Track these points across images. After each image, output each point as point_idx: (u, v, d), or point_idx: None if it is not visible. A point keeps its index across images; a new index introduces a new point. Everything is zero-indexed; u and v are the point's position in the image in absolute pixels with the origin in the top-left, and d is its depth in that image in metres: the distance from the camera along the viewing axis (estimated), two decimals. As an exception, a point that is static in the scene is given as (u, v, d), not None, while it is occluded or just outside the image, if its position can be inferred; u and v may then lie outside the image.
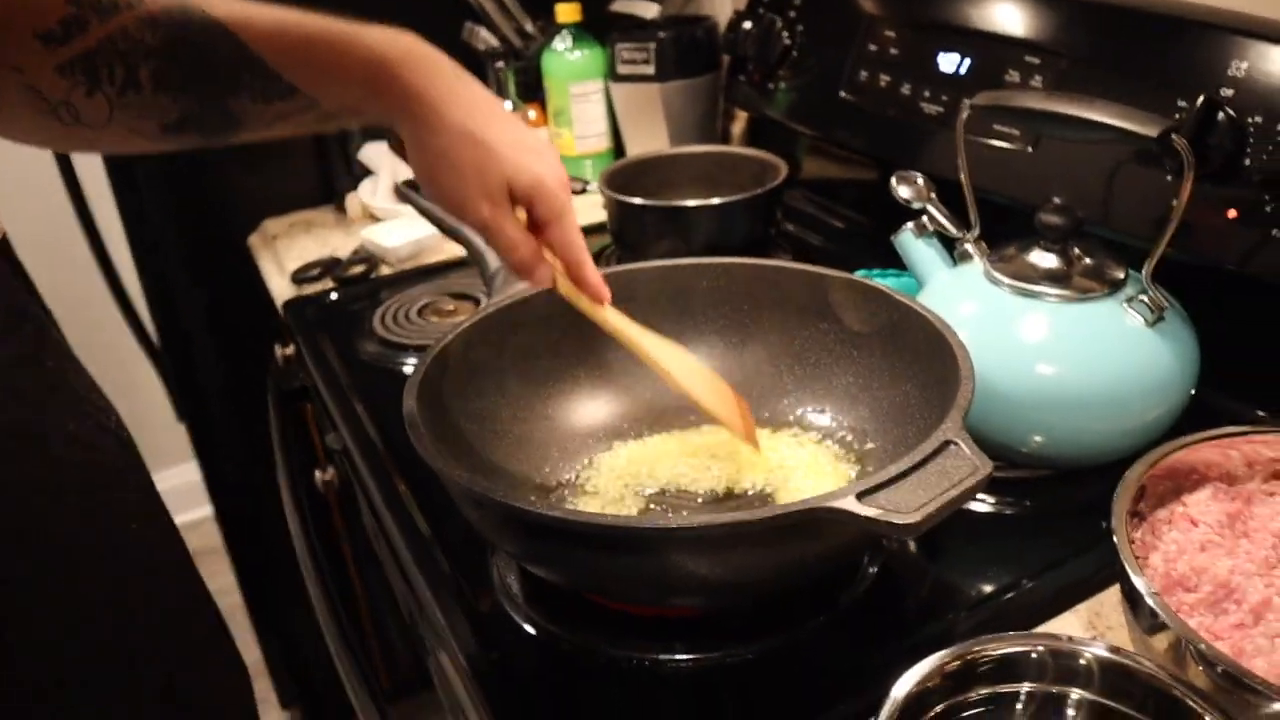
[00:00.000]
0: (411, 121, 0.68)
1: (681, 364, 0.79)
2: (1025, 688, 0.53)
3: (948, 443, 0.61)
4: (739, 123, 1.48)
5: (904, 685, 0.51)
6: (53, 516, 0.58)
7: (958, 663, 0.51)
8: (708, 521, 0.56)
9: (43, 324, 0.62)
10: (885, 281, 0.99)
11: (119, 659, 0.62)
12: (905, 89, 1.12)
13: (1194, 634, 0.52)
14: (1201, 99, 0.82)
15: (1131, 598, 0.57)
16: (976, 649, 0.52)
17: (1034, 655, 0.52)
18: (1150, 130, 0.74)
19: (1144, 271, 0.80)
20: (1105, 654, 0.52)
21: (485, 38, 1.53)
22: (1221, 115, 0.82)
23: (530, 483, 0.82)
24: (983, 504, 0.83)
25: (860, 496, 0.56)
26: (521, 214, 0.73)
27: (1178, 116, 0.85)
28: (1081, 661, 0.52)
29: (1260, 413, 0.87)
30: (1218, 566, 0.61)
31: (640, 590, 0.68)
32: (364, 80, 0.67)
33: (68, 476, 0.59)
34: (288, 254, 1.45)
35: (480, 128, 0.68)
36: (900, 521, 0.55)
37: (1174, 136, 0.74)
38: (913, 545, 0.78)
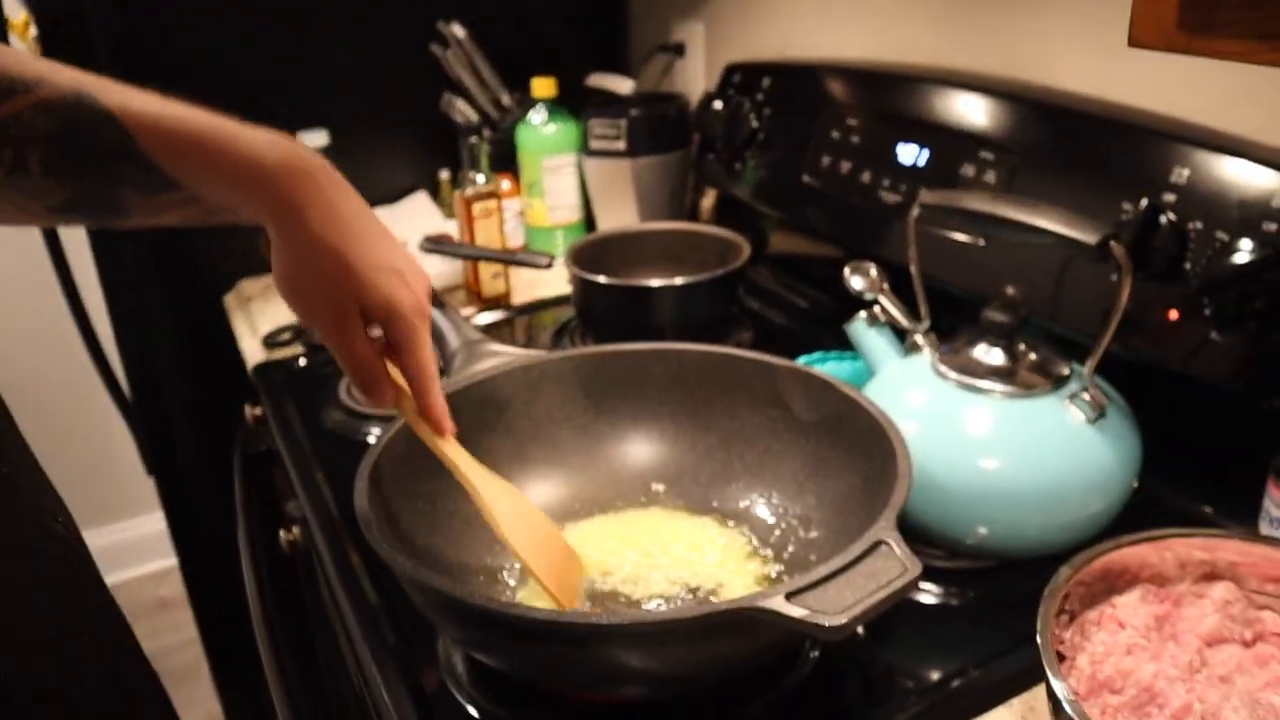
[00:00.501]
0: (276, 227, 0.68)
1: (509, 510, 0.76)
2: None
3: (879, 543, 0.62)
4: (709, 198, 1.51)
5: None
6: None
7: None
8: (638, 619, 0.56)
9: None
10: (842, 365, 1.01)
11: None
12: (865, 177, 1.14)
13: (1110, 744, 0.53)
14: (1144, 203, 0.84)
15: (1053, 700, 0.58)
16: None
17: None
18: (1090, 238, 0.76)
19: (1086, 369, 0.81)
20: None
21: (462, 109, 1.56)
22: (1164, 219, 0.84)
23: (479, 563, 0.82)
24: (927, 594, 0.84)
25: (790, 596, 0.57)
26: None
27: (1124, 217, 0.87)
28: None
29: (1207, 508, 0.88)
30: (1142, 670, 0.61)
31: (577, 679, 0.68)
32: (238, 181, 0.67)
33: (9, 589, 0.59)
34: (261, 316, 1.46)
35: (343, 244, 0.68)
36: (827, 624, 0.56)
37: (1112, 244, 0.75)
38: (862, 632, 0.79)
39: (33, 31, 1.51)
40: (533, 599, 0.79)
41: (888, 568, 0.60)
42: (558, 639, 0.60)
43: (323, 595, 1.02)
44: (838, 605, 0.57)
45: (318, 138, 1.53)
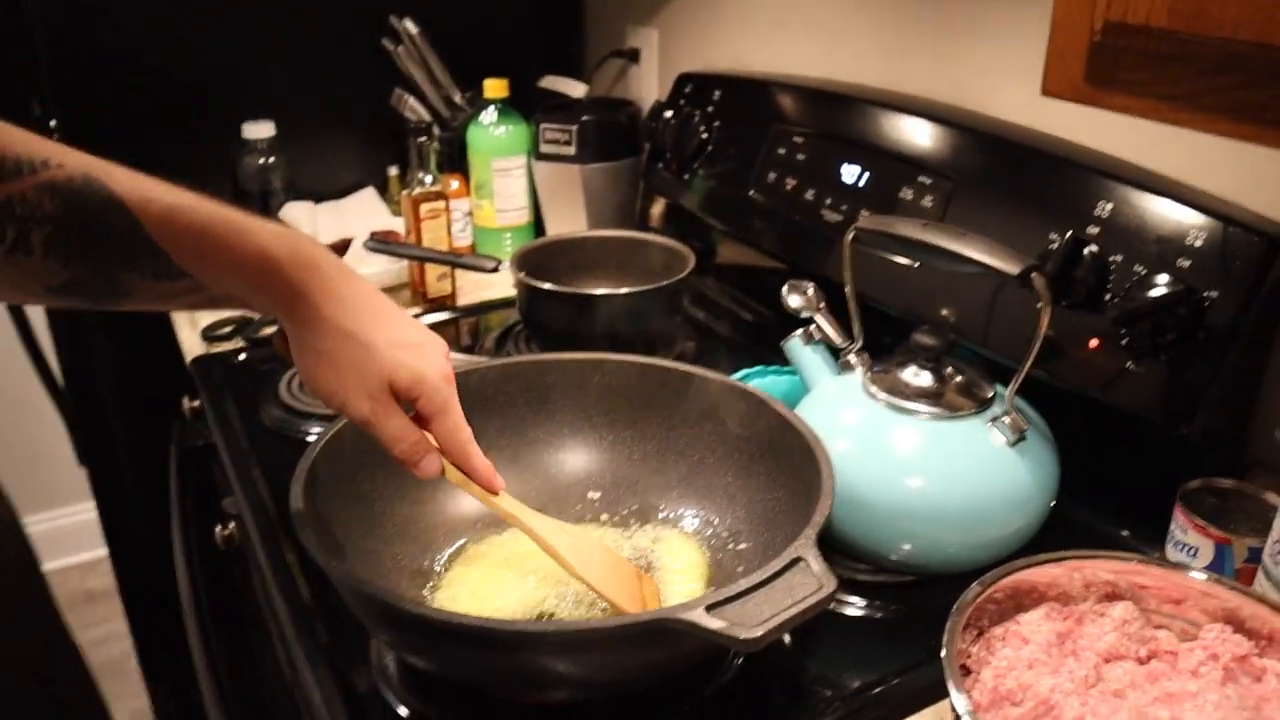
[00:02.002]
0: (293, 320, 0.71)
1: (575, 547, 0.80)
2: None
3: (797, 559, 0.66)
4: (658, 206, 1.55)
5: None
6: None
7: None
8: (562, 627, 0.60)
9: None
10: (780, 381, 1.05)
11: None
12: (809, 195, 1.19)
13: (1002, 754, 0.58)
14: (1068, 234, 0.90)
15: (954, 713, 0.62)
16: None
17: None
18: (1013, 268, 0.80)
19: (1007, 393, 0.86)
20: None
21: (414, 106, 1.58)
22: (1087, 251, 0.90)
23: (414, 565, 0.86)
24: (851, 606, 0.88)
25: (709, 609, 0.61)
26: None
27: (1051, 246, 0.92)
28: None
29: (1120, 530, 0.94)
30: (1041, 684, 0.66)
31: (504, 682, 0.72)
32: (249, 275, 0.70)
33: None
34: (201, 307, 1.48)
35: (360, 327, 0.71)
36: (742, 636, 0.60)
37: (1034, 275, 0.80)
38: (787, 640, 0.83)
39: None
40: (460, 601, 0.82)
41: (805, 583, 0.64)
42: (485, 644, 0.64)
43: (256, 592, 1.05)
44: (755, 618, 0.61)
45: (264, 129, 1.55)
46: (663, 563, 0.87)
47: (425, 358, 0.74)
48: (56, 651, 0.74)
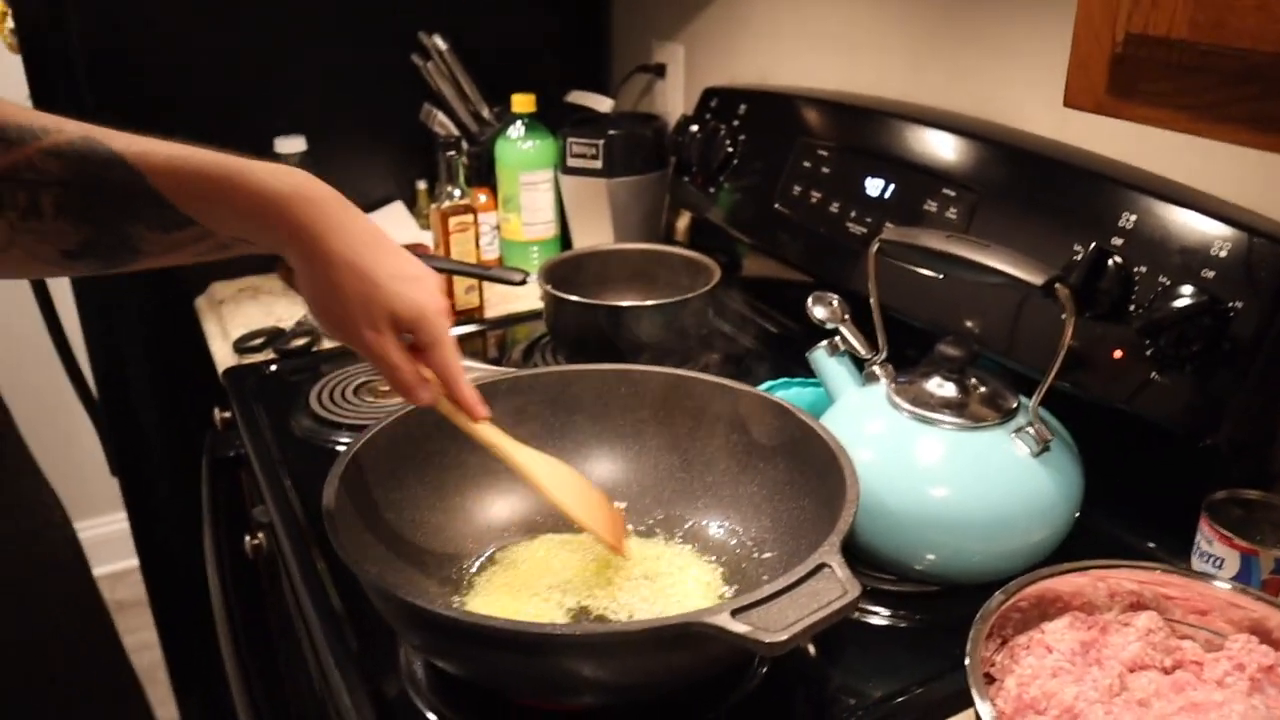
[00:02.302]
0: (300, 255, 0.74)
1: (553, 475, 0.84)
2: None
3: (822, 565, 0.67)
4: (684, 219, 1.56)
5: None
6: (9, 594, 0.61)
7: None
8: (588, 630, 0.61)
9: (3, 427, 0.66)
10: (805, 392, 1.06)
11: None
12: (834, 207, 1.20)
13: (1025, 759, 0.58)
14: (1092, 245, 0.90)
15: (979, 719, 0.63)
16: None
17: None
18: (1036, 279, 0.81)
19: (1031, 404, 0.87)
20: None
21: (442, 121, 1.61)
22: (1111, 262, 0.90)
23: (443, 574, 0.87)
24: (876, 616, 0.89)
25: (734, 613, 0.62)
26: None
27: (1075, 257, 0.93)
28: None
29: (1144, 541, 0.94)
30: (1065, 692, 0.67)
31: (531, 687, 0.73)
32: (254, 214, 0.73)
33: (14, 573, 0.62)
34: (233, 320, 1.50)
35: (364, 260, 0.74)
36: (767, 640, 0.61)
37: (1057, 286, 0.81)
38: (811, 650, 0.84)
39: (9, 24, 1.55)
40: (488, 608, 0.83)
41: (829, 589, 0.65)
42: (512, 647, 0.65)
43: (287, 600, 1.06)
44: (779, 623, 0.62)
45: (295, 144, 1.58)
46: (684, 570, 0.88)
47: (424, 290, 0.77)
48: (112, 655, 0.76)
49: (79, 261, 0.73)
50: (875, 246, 0.92)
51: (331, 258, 0.74)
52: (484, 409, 0.83)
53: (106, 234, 0.72)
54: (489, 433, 0.84)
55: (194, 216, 0.72)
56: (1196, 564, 0.85)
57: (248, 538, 1.29)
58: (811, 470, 0.85)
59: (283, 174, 0.74)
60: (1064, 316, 0.82)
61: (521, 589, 0.85)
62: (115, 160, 0.69)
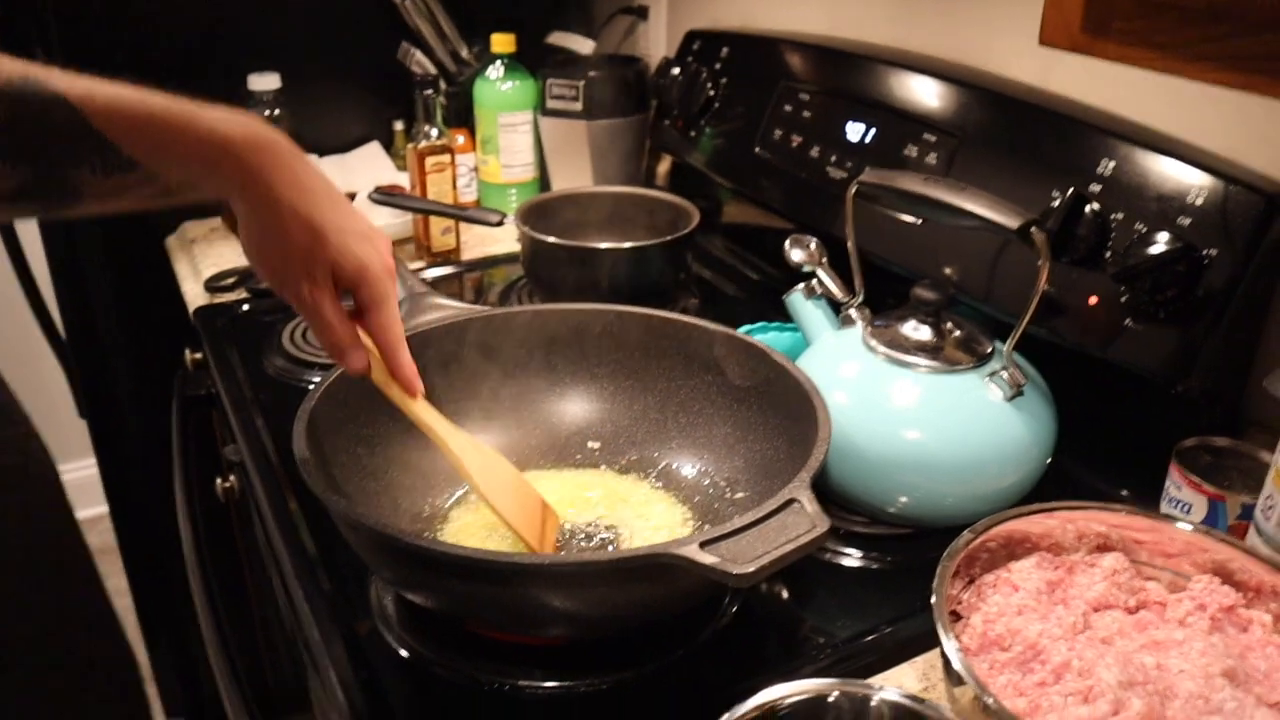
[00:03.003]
0: (246, 200, 0.73)
1: (483, 466, 0.82)
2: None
3: (791, 500, 0.68)
4: (664, 163, 1.56)
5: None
6: None
7: (758, 712, 0.59)
8: (556, 560, 0.63)
9: None
10: (782, 336, 1.07)
11: (19, 654, 0.65)
12: (814, 152, 1.20)
13: (985, 689, 0.60)
14: (1070, 191, 0.91)
15: (944, 655, 0.65)
16: (776, 696, 0.60)
17: (830, 699, 0.60)
18: (1012, 223, 0.82)
19: (1005, 349, 0.88)
20: (894, 698, 0.60)
21: (420, 60, 1.60)
22: (1088, 209, 0.91)
23: (414, 509, 0.88)
24: (848, 558, 0.91)
25: (703, 545, 0.63)
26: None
27: (1054, 203, 0.94)
28: (873, 704, 0.60)
29: (1116, 487, 0.96)
30: (1029, 629, 0.69)
31: (502, 618, 0.74)
32: (203, 157, 0.71)
33: (4, 478, 0.62)
34: (204, 259, 1.50)
35: (312, 211, 0.73)
36: (736, 571, 0.62)
37: (1033, 230, 0.82)
38: (784, 590, 0.86)
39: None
40: (460, 541, 0.85)
41: (798, 523, 0.67)
42: (480, 577, 0.66)
43: (259, 541, 1.08)
44: (748, 555, 0.63)
45: (269, 81, 1.56)
46: (656, 510, 0.89)
47: (371, 248, 0.76)
48: (89, 585, 0.76)
49: (15, 205, 0.71)
50: (853, 189, 0.93)
51: (279, 206, 0.72)
52: (419, 384, 0.81)
53: (45, 177, 0.70)
54: (423, 411, 0.81)
55: (139, 159, 0.70)
56: (1165, 509, 0.87)
57: (219, 480, 1.30)
58: (785, 411, 0.87)
59: (235, 119, 0.72)
60: (1039, 262, 0.83)
61: (496, 523, 0.86)
62: (57, 100, 0.67)
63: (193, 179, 0.73)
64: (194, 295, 1.41)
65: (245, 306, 1.35)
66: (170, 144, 0.71)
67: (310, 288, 0.74)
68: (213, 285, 1.39)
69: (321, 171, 0.76)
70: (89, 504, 2.49)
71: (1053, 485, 0.92)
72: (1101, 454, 0.96)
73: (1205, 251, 0.85)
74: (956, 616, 0.74)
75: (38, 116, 0.67)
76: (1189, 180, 0.87)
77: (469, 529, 0.87)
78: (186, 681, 2.06)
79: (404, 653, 0.78)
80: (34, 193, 0.70)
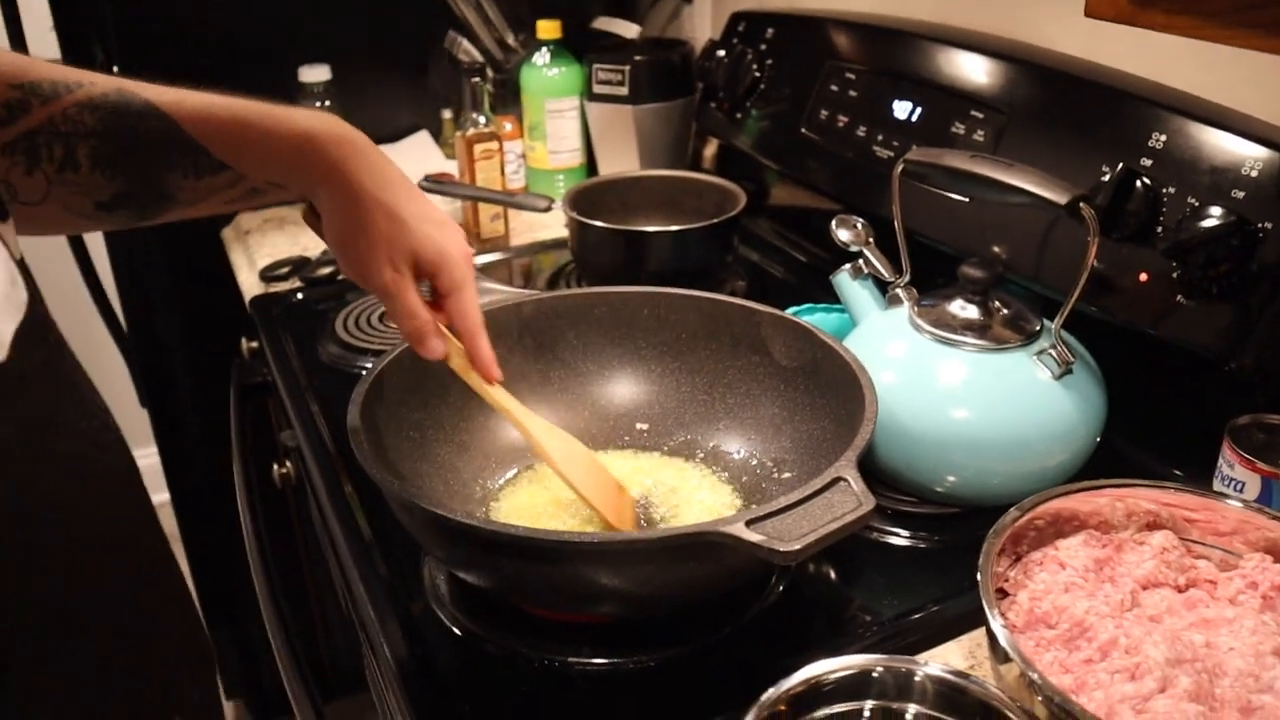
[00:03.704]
0: (330, 192, 0.76)
1: (562, 449, 0.85)
2: (868, 705, 0.61)
3: (838, 479, 0.69)
4: (711, 147, 1.57)
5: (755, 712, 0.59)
6: (62, 508, 0.64)
7: (803, 687, 0.60)
8: (606, 537, 0.64)
9: (59, 335, 0.69)
10: (830, 317, 1.08)
11: (93, 625, 0.68)
12: (861, 131, 1.20)
13: (1030, 665, 0.61)
14: (1120, 166, 0.91)
15: (989, 631, 0.65)
16: (821, 672, 0.61)
17: (875, 675, 0.60)
18: (1060, 198, 0.82)
19: (1054, 326, 0.88)
20: (937, 673, 0.61)
21: (467, 49, 1.62)
22: (1139, 183, 0.91)
23: (466, 492, 0.90)
24: (896, 537, 0.91)
25: (749, 524, 0.65)
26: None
27: (1104, 179, 0.93)
28: (916, 679, 0.61)
29: (1168, 465, 0.95)
30: (1076, 607, 0.69)
31: (552, 596, 0.76)
32: (289, 154, 0.75)
33: (82, 468, 0.65)
34: (259, 249, 1.53)
35: (392, 200, 0.76)
36: (781, 549, 0.63)
37: (1082, 205, 0.82)
38: (831, 570, 0.87)
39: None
40: (512, 520, 0.86)
41: (844, 501, 0.67)
42: (531, 555, 0.68)
43: (315, 525, 1.10)
44: (794, 533, 0.64)
45: (320, 73, 1.59)
46: (705, 491, 0.90)
47: (450, 234, 0.79)
48: (165, 560, 0.79)
49: (114, 213, 0.76)
50: (900, 168, 0.94)
51: (362, 196, 0.75)
52: (498, 370, 0.82)
53: (141, 183, 0.74)
54: (501, 396, 0.83)
55: (228, 161, 0.75)
56: (1218, 488, 0.86)
57: (275, 466, 1.33)
58: (831, 391, 0.87)
59: (315, 116, 0.76)
60: (1089, 238, 0.83)
61: (545, 506, 0.88)
62: (150, 110, 0.72)
63: (279, 176, 0.77)
64: (249, 285, 1.44)
65: (299, 295, 1.38)
66: (257, 143, 0.75)
67: (393, 275, 0.77)
68: (267, 275, 1.42)
69: (397, 166, 0.79)
70: (152, 491, 2.56)
71: (1104, 464, 0.91)
72: (1153, 433, 0.96)
73: (1260, 225, 0.84)
74: (1003, 594, 0.74)
75: (133, 126, 0.72)
76: (1242, 152, 0.86)
77: (520, 509, 0.89)
78: (248, 664, 2.11)
79: (457, 631, 0.80)
80: (131, 199, 0.75)
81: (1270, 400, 0.89)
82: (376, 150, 0.78)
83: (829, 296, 1.08)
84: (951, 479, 0.90)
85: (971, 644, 0.79)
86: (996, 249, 1.04)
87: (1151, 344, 0.92)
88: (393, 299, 0.78)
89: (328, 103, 1.61)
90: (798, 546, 0.63)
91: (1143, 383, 0.95)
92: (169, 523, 2.13)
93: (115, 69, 1.55)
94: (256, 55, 1.62)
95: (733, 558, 0.68)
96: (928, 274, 0.99)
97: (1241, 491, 0.84)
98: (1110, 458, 0.93)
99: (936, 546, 0.91)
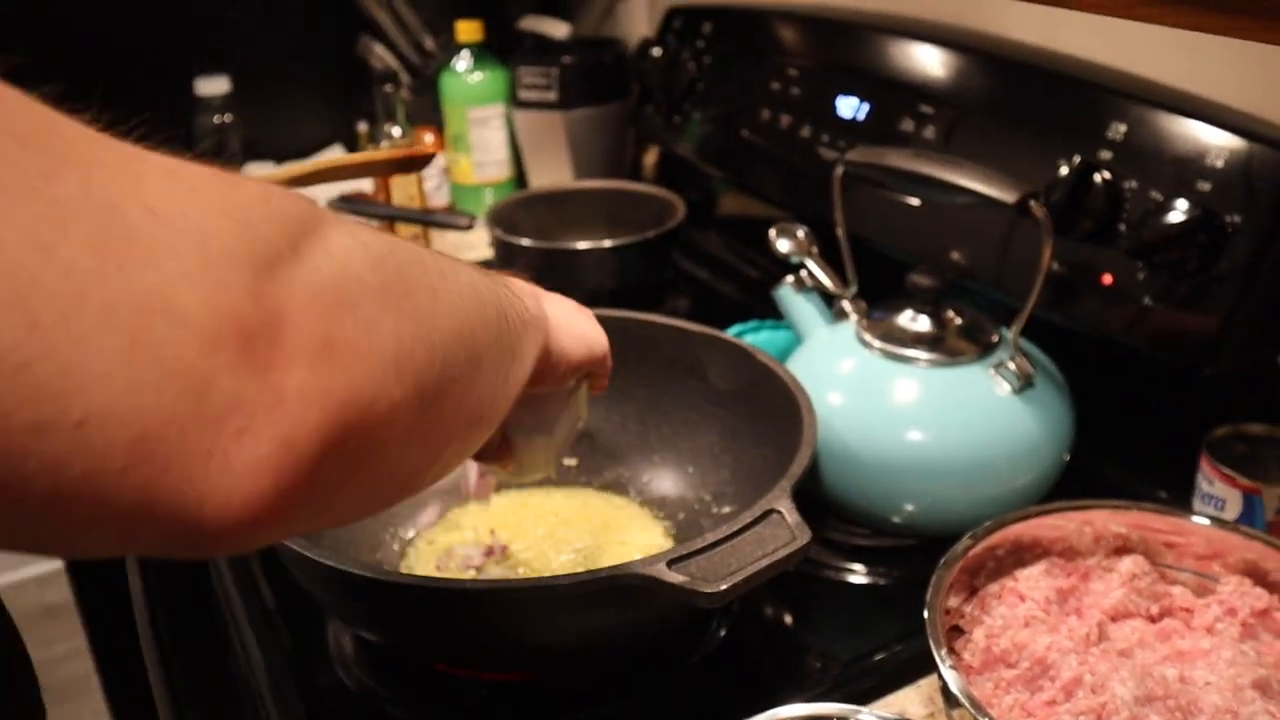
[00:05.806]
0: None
1: None
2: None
3: (770, 511, 0.69)
4: (652, 154, 1.57)
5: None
6: None
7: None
8: (511, 584, 0.63)
9: None
10: (777, 335, 1.08)
11: None
12: (805, 132, 1.21)
13: (984, 710, 0.61)
14: (1077, 160, 0.92)
15: (939, 674, 0.65)
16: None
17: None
18: (1009, 196, 0.83)
19: (1011, 336, 0.89)
20: (876, 724, 0.61)
21: (381, 54, 1.62)
22: (1098, 178, 0.92)
23: (376, 539, 0.89)
24: (852, 574, 0.92)
25: (671, 563, 0.64)
26: None
27: (1061, 174, 0.94)
28: (854, 731, 0.61)
29: (1143, 484, 0.96)
30: (1037, 643, 0.69)
31: (461, 653, 0.75)
32: None
33: None
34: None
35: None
36: (706, 590, 0.63)
37: (1032, 204, 0.83)
38: (780, 611, 0.86)
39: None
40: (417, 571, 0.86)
41: (776, 536, 0.67)
42: (430, 604, 0.67)
43: (217, 595, 1.08)
44: (720, 572, 0.64)
45: (218, 84, 1.59)
46: (637, 530, 0.90)
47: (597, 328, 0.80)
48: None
49: None
50: (840, 169, 0.94)
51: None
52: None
53: None
54: None
55: None
56: (1198, 506, 0.87)
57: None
58: (772, 416, 0.87)
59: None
60: (1042, 238, 0.84)
61: (455, 553, 0.88)
62: None
63: None
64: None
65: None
66: None
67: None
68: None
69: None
70: (46, 560, 2.52)
71: (1073, 486, 0.92)
72: (1127, 448, 0.96)
73: (1228, 218, 0.85)
74: (959, 632, 0.74)
75: None
76: (1208, 140, 0.87)
77: (431, 557, 0.88)
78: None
79: (362, 697, 0.79)
80: None
81: (1250, 408, 0.90)
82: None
83: (778, 313, 1.08)
84: (908, 507, 0.90)
85: (931, 688, 0.79)
86: (955, 254, 1.05)
87: (1121, 352, 0.93)
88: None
89: (228, 117, 1.60)
90: (723, 587, 0.63)
91: (1114, 394, 0.96)
92: (65, 592, 2.10)
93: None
94: (147, 65, 1.61)
95: (657, 602, 0.68)
96: (882, 284, 0.99)
97: (1222, 509, 0.84)
98: (1082, 478, 0.93)
99: (895, 582, 0.91)
